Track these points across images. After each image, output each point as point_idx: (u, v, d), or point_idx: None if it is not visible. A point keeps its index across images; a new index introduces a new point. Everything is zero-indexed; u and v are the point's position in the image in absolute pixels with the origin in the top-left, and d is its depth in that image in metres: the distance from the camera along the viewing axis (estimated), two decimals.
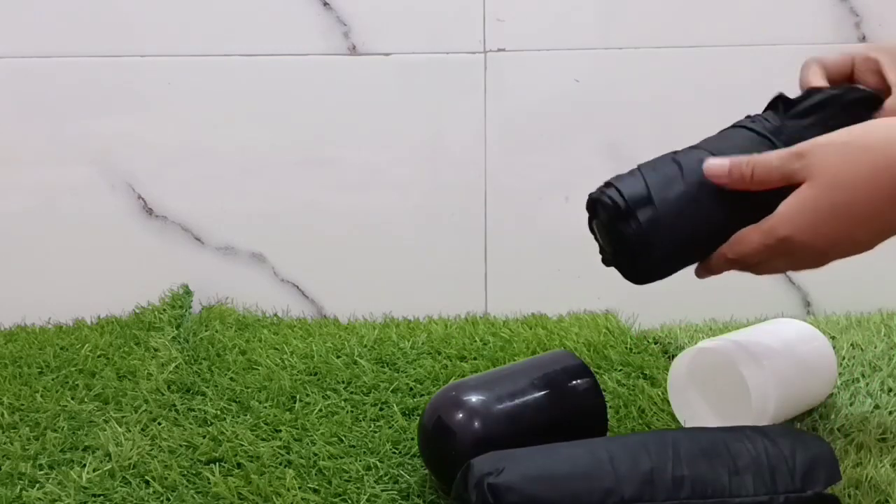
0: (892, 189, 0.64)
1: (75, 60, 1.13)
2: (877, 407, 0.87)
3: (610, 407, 0.86)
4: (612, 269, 0.75)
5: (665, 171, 0.72)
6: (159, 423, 0.85)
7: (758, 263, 0.71)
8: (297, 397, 0.91)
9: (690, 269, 0.75)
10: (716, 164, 0.70)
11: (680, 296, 1.18)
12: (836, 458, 0.65)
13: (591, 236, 0.76)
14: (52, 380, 0.96)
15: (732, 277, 0.75)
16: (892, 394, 0.90)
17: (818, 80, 0.77)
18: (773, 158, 0.68)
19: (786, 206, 0.67)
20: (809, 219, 0.66)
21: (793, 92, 0.78)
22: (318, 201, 1.18)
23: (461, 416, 0.70)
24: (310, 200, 1.18)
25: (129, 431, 0.83)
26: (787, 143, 0.70)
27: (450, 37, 1.14)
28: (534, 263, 1.21)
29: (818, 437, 0.68)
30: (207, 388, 0.93)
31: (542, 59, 1.15)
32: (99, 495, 0.73)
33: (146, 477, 0.76)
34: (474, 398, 0.72)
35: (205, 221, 1.18)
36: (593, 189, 0.74)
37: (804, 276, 1.23)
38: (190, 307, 1.15)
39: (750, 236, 0.69)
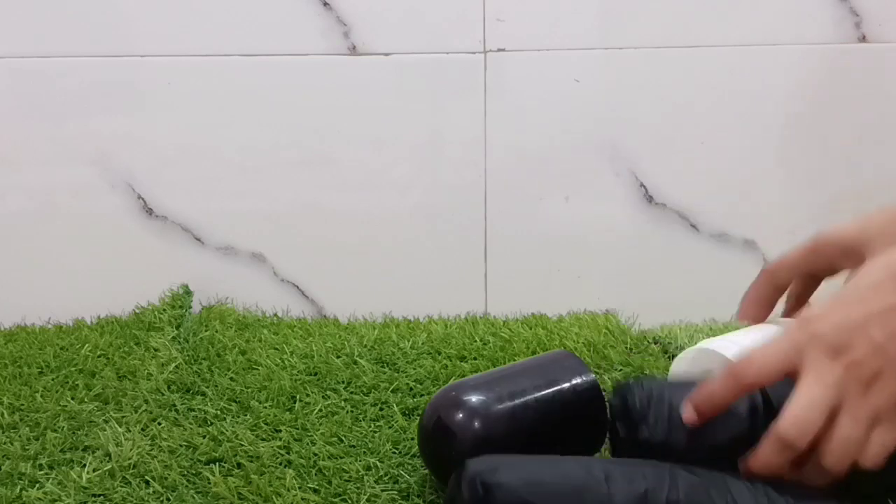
0: None
1: (75, 60, 1.13)
2: None
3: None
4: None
5: None
6: (159, 423, 0.85)
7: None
8: (297, 397, 0.91)
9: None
10: (703, 400, 0.59)
11: (680, 296, 1.18)
12: None
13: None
14: (52, 380, 0.96)
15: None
16: None
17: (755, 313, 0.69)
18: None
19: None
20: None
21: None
22: (318, 201, 1.18)
23: (461, 416, 0.70)
24: (310, 200, 1.18)
25: (129, 431, 0.83)
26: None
27: (450, 37, 1.14)
28: (534, 263, 1.21)
29: (824, 491, 0.62)
30: (207, 388, 0.93)
31: (542, 59, 1.15)
32: (99, 495, 0.73)
33: (146, 477, 0.75)
34: (474, 398, 0.72)
35: (205, 221, 1.18)
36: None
37: None
38: (190, 307, 1.15)
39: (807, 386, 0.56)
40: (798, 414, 0.56)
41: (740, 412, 0.63)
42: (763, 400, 0.64)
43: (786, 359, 0.58)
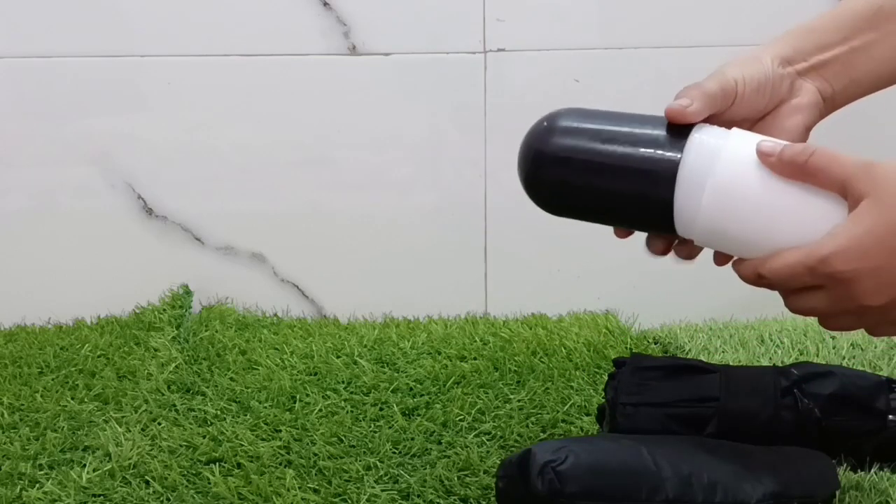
0: None
1: (75, 60, 1.13)
2: None
3: None
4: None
5: None
6: (159, 423, 0.85)
7: (795, 293, 0.62)
8: (297, 397, 0.91)
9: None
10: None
11: (680, 296, 1.18)
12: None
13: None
14: (52, 380, 0.96)
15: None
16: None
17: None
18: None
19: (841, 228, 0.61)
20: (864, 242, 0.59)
21: None
22: (318, 201, 1.18)
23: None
24: (310, 200, 1.18)
25: (129, 431, 0.83)
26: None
27: (450, 37, 1.14)
28: (534, 263, 1.21)
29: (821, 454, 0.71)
30: (207, 388, 0.93)
31: (542, 59, 1.15)
32: (99, 495, 0.73)
33: (146, 477, 0.75)
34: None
35: (205, 221, 1.18)
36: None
37: None
38: (190, 307, 1.15)
39: (789, 255, 0.61)
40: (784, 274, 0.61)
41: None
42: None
43: (801, 284, 0.62)
